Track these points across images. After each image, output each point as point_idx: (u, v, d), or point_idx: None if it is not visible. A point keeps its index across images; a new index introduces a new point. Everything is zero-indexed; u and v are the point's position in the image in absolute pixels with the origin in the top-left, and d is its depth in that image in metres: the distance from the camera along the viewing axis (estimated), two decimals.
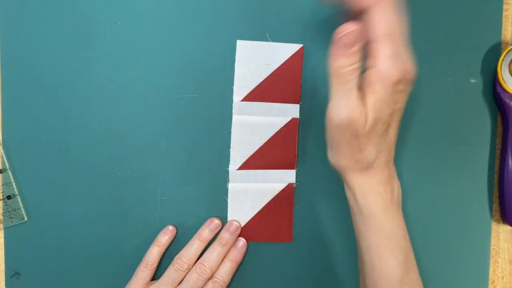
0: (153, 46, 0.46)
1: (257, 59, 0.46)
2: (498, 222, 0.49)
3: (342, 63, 0.34)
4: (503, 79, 0.46)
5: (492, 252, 0.49)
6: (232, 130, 0.47)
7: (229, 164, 0.47)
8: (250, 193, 0.47)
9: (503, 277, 0.49)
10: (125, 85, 0.46)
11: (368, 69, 0.35)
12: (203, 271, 0.45)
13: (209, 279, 0.45)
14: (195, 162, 0.47)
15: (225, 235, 0.46)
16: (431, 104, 0.48)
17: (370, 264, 0.38)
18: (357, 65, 0.35)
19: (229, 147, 0.47)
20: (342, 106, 0.34)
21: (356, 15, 0.35)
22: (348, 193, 0.39)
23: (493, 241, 0.49)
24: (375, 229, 0.37)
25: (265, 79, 0.46)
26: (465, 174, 0.49)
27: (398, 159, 0.48)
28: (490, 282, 0.49)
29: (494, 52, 0.48)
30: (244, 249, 0.47)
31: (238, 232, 0.47)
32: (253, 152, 0.47)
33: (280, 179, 0.47)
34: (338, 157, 0.37)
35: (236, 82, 0.46)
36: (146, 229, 0.47)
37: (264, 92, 0.46)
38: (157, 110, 0.46)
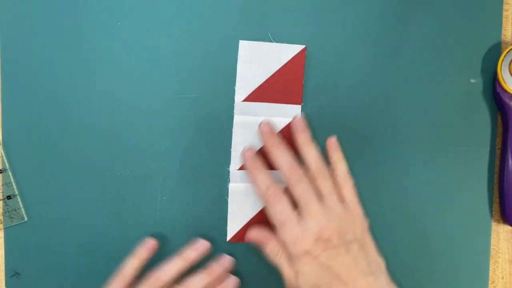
0: (153, 46, 0.46)
1: (259, 60, 0.46)
2: (498, 222, 0.49)
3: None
4: (503, 79, 0.46)
5: (492, 252, 0.49)
6: (233, 130, 0.47)
7: (230, 164, 0.47)
8: (251, 193, 0.47)
9: (503, 277, 0.49)
10: (125, 85, 0.46)
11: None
12: None
13: None
14: (195, 162, 0.47)
15: (214, 266, 0.43)
16: (431, 104, 0.48)
17: None
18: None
19: (230, 147, 0.47)
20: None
21: None
22: None
23: (493, 241, 0.49)
24: None
25: (267, 79, 0.46)
26: (465, 174, 0.49)
27: (398, 159, 0.48)
28: (490, 282, 0.49)
29: (494, 52, 0.48)
30: None
31: (230, 267, 0.44)
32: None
33: (280, 180, 0.47)
34: None
35: (238, 82, 0.46)
36: (146, 229, 0.47)
37: (265, 93, 0.46)
38: (158, 110, 0.46)
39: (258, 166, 0.43)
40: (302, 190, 0.41)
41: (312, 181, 0.42)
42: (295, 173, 0.41)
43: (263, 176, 0.43)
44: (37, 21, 0.45)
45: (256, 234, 0.44)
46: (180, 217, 0.47)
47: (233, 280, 0.44)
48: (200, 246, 0.44)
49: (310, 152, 0.43)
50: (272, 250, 0.42)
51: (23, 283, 0.46)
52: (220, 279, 0.43)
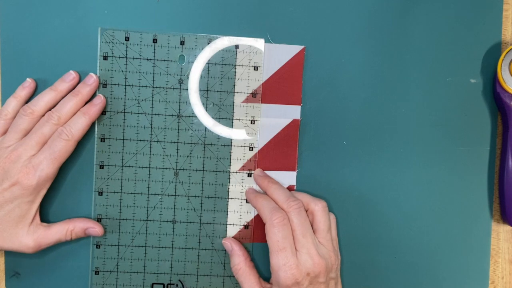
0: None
1: (258, 61, 0.46)
2: (498, 222, 0.49)
3: None
4: (503, 79, 0.46)
5: (492, 252, 0.49)
6: (233, 131, 0.47)
7: (230, 165, 0.47)
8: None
9: (503, 277, 0.49)
10: None
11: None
12: (50, 117, 0.42)
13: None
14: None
15: (80, 86, 0.44)
16: (431, 104, 0.48)
17: None
18: None
19: (230, 148, 0.47)
20: None
21: None
22: None
23: (493, 241, 0.49)
24: None
25: (266, 80, 0.46)
26: (465, 174, 0.49)
27: (399, 159, 0.48)
28: (490, 282, 0.49)
29: (494, 52, 0.48)
30: (101, 105, 0.44)
31: (95, 84, 0.44)
32: (254, 154, 0.47)
33: (281, 181, 0.47)
34: None
35: (237, 83, 0.46)
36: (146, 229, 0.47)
37: (265, 94, 0.46)
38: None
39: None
40: (300, 223, 0.42)
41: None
42: (294, 205, 0.42)
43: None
44: (37, 20, 0.45)
45: (229, 244, 0.46)
46: (180, 217, 0.47)
47: (100, 99, 0.45)
48: (68, 77, 0.44)
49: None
50: (237, 263, 0.45)
51: (23, 283, 0.47)
52: (85, 96, 0.44)
